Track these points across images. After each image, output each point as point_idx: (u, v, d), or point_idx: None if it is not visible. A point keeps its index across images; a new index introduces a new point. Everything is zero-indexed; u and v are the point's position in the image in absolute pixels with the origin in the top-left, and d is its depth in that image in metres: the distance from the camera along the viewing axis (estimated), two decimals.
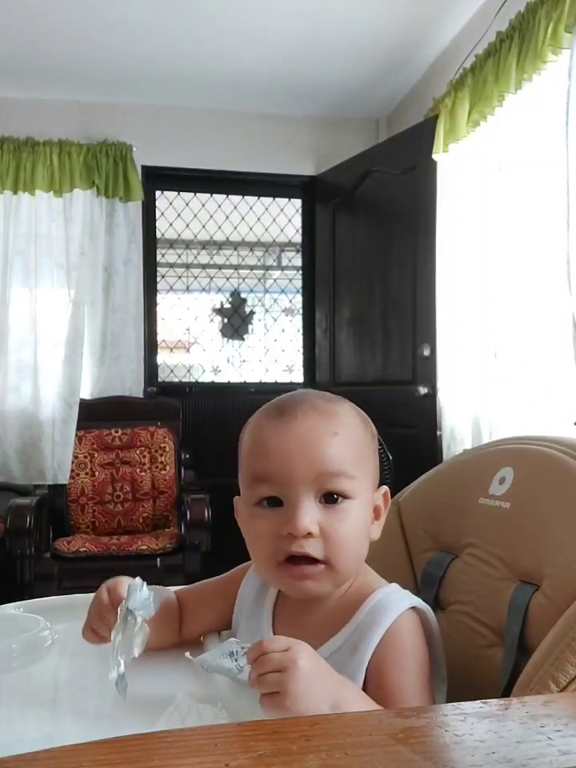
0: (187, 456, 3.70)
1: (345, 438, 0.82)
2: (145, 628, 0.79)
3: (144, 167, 3.86)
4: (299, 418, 0.82)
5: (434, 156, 3.08)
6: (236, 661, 0.71)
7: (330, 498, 0.81)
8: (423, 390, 3.23)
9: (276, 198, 4.30)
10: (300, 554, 0.79)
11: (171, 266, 4.31)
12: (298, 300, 4.39)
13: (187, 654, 0.77)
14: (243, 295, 4.55)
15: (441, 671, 0.84)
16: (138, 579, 0.82)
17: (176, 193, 4.18)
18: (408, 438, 3.17)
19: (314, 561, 0.80)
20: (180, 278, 4.34)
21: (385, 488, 0.89)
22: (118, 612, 0.79)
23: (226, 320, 4.51)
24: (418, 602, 0.84)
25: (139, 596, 0.80)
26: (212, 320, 4.51)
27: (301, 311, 4.36)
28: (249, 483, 0.83)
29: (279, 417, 0.83)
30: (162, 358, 4.23)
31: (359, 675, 0.78)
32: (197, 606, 0.97)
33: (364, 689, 0.77)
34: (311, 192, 4.16)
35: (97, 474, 3.56)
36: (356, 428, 0.85)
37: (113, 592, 0.85)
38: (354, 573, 0.85)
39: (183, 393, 4.08)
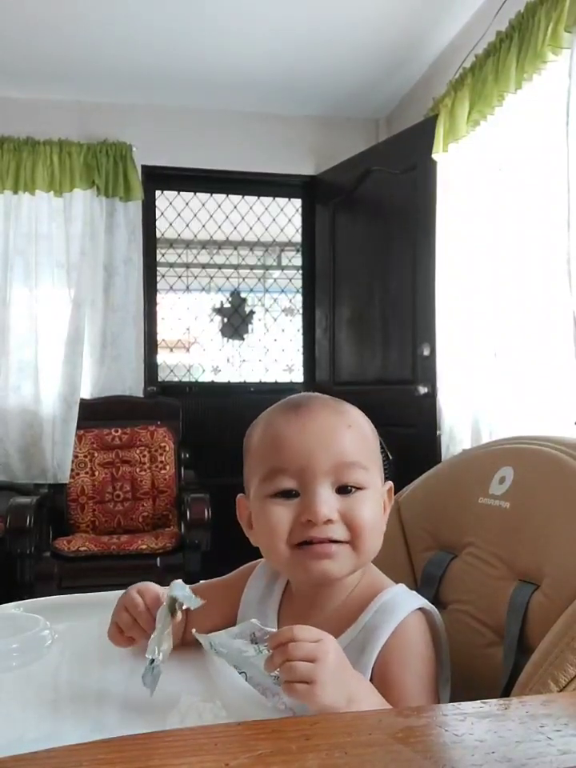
0: (187, 455, 3.70)
1: (358, 432, 0.85)
2: (170, 637, 0.80)
3: (144, 167, 3.86)
4: (314, 411, 0.84)
5: (434, 156, 3.07)
6: (255, 643, 0.71)
7: (344, 490, 0.82)
8: (423, 390, 3.23)
9: (276, 198, 4.30)
10: (322, 538, 0.80)
11: (171, 265, 4.31)
12: (298, 300, 4.38)
13: (194, 630, 0.77)
14: (243, 295, 4.55)
15: (445, 672, 0.84)
16: (179, 580, 0.84)
17: (176, 192, 4.18)
18: (408, 437, 3.17)
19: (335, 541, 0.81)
20: (180, 277, 4.34)
21: (390, 483, 0.90)
22: (165, 600, 0.81)
23: (225, 320, 4.51)
24: (425, 603, 0.84)
25: (184, 592, 0.81)
26: (212, 320, 4.51)
27: (301, 311, 4.36)
28: (264, 476, 0.83)
29: (294, 411, 0.85)
30: (161, 357, 4.22)
31: (366, 675, 0.78)
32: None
33: None
34: (311, 192, 4.16)
35: (97, 473, 3.56)
36: (365, 425, 0.88)
37: (146, 593, 0.86)
38: (372, 556, 0.85)
39: (183, 392, 4.08)
